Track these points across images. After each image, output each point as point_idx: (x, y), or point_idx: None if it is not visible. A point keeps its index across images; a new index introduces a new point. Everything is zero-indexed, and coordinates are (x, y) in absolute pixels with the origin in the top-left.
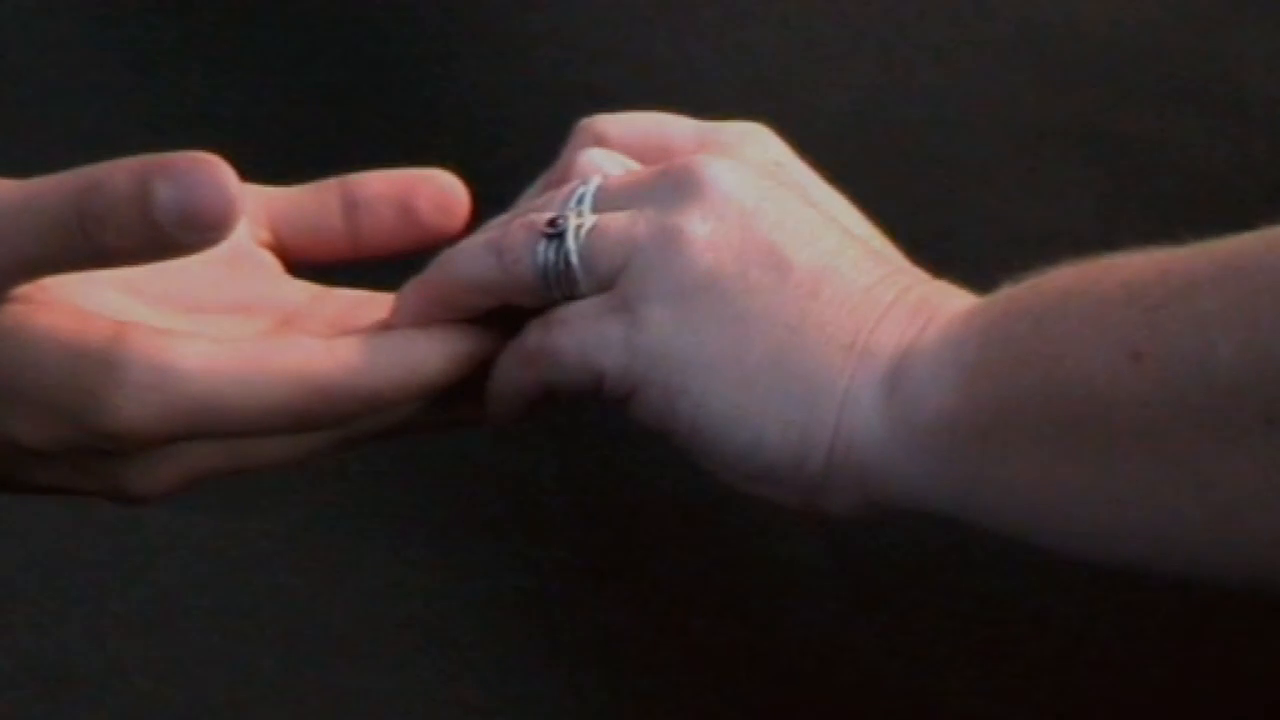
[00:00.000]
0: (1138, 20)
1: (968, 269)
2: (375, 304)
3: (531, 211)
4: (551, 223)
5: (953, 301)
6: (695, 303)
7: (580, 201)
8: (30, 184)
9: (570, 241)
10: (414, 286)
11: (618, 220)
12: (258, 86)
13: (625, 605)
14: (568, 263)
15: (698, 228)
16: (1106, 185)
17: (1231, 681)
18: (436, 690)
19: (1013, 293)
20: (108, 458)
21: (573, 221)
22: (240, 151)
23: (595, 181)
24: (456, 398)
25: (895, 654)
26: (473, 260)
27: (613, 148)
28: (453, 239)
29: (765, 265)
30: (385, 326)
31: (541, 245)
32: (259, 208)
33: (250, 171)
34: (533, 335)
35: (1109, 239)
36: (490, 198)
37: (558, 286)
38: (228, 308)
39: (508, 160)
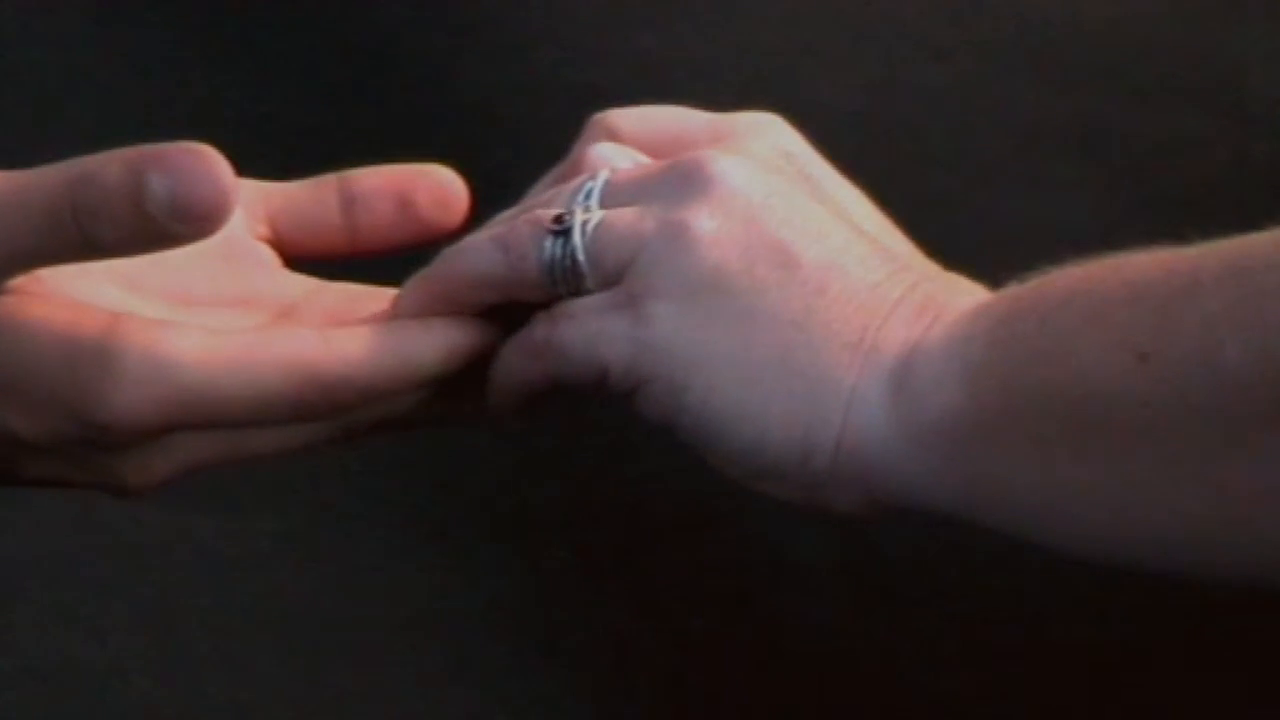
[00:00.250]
0: (1138, 20)
1: (967, 268)
2: (373, 298)
3: (538, 207)
4: (558, 219)
5: (959, 299)
6: (701, 299)
7: (588, 197)
8: (23, 175)
9: (576, 237)
10: (418, 281)
11: (625, 216)
12: (258, 86)
13: (625, 605)
14: (574, 259)
15: (705, 224)
16: (1106, 185)
17: (1232, 681)
18: (436, 690)
19: (1018, 292)
20: (102, 449)
21: (579, 217)
22: (241, 151)
23: (603, 176)
24: (455, 391)
25: (896, 654)
26: (479, 255)
27: (625, 142)
28: (451, 234)
29: (772, 262)
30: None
31: (548, 241)
32: (257, 202)
33: (250, 171)
34: (539, 329)
35: (1109, 239)
36: (489, 196)
37: (564, 282)
38: (224, 301)
39: (507, 160)
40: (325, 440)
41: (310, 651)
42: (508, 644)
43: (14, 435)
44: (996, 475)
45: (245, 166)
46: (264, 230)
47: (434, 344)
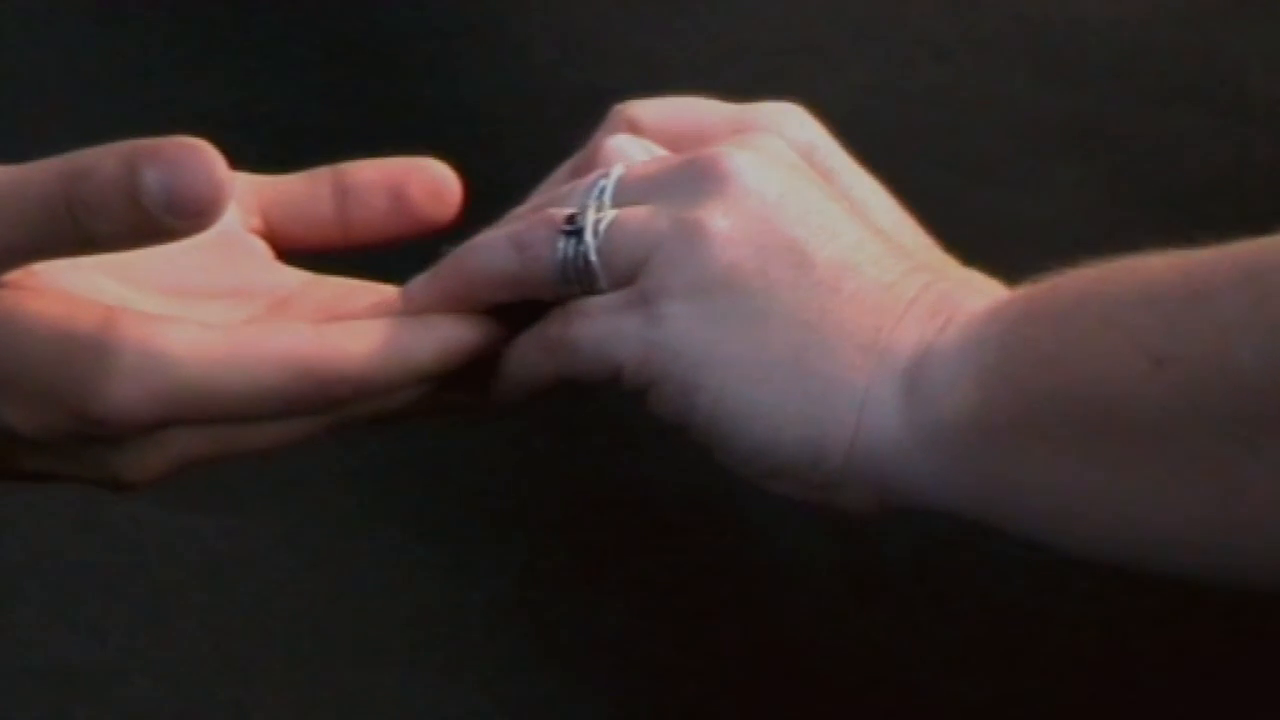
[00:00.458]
0: (1138, 19)
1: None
2: (366, 292)
3: (552, 203)
4: (570, 218)
5: (973, 299)
6: (714, 299)
7: (600, 194)
8: (18, 170)
9: (589, 237)
10: (431, 278)
11: (638, 214)
12: (258, 86)
13: (626, 605)
14: (586, 259)
15: (719, 223)
16: (1106, 185)
17: (1232, 681)
18: (436, 690)
19: (1031, 293)
20: (97, 444)
21: (591, 216)
22: (240, 150)
23: (616, 172)
24: (452, 384)
25: (896, 653)
26: (492, 254)
27: (645, 133)
28: (444, 228)
29: (786, 262)
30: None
31: (561, 241)
32: (251, 195)
33: (249, 171)
34: (553, 325)
35: (1109, 239)
36: (489, 196)
37: (577, 282)
38: (219, 293)
39: (508, 159)
40: (318, 433)
41: (310, 651)
42: (508, 644)
43: (9, 429)
44: (1009, 477)
45: (245, 167)
46: (257, 223)
47: (429, 341)
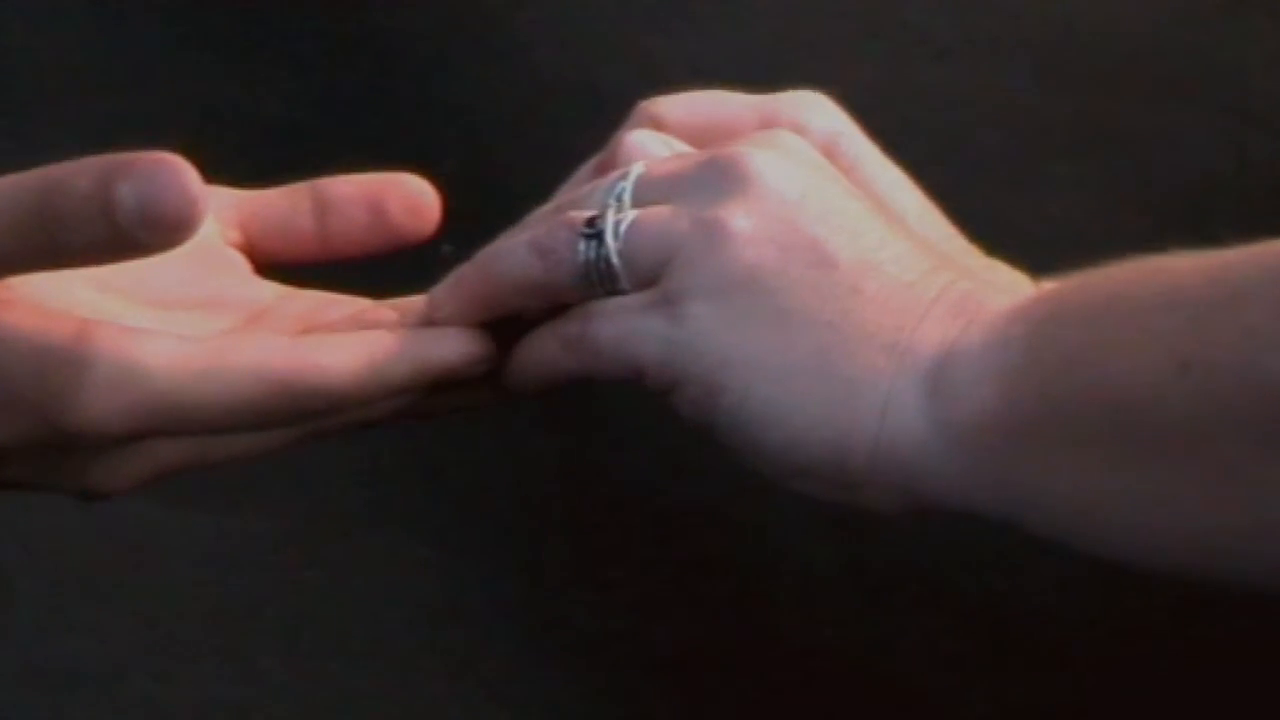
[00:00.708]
0: (1138, 20)
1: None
2: (343, 305)
3: (573, 203)
4: (590, 221)
5: (996, 298)
6: (736, 299)
7: (620, 195)
8: None
9: (609, 239)
10: (454, 284)
11: (658, 215)
12: (258, 86)
13: (626, 606)
14: (608, 261)
15: (740, 222)
16: (1106, 185)
17: (1233, 682)
18: (436, 690)
19: (1055, 294)
20: (72, 454)
21: (611, 218)
22: (240, 151)
23: (635, 172)
24: (449, 386)
25: (896, 654)
26: (514, 260)
27: (669, 129)
28: (422, 241)
29: (808, 261)
30: (425, 324)
31: (581, 244)
32: (230, 208)
33: (249, 171)
34: (574, 323)
35: (1109, 238)
36: (490, 196)
37: (599, 284)
38: (196, 304)
39: (508, 160)
40: (295, 442)
41: (310, 651)
42: (508, 644)
43: None
44: (1032, 479)
45: (245, 168)
46: (236, 236)
47: (406, 355)
